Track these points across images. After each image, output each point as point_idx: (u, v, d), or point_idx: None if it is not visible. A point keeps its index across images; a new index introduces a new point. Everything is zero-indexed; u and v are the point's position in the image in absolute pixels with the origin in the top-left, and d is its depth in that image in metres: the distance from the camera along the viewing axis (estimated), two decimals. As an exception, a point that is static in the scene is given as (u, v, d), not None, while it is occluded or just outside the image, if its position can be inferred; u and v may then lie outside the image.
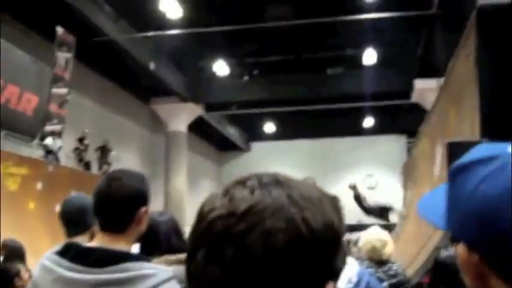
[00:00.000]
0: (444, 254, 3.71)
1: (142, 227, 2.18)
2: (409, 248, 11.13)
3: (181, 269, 2.02)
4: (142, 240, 2.45)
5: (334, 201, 0.81)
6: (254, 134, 32.74)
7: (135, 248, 2.70)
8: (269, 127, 31.68)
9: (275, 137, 32.34)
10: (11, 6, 13.89)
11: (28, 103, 13.81)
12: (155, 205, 20.59)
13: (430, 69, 19.60)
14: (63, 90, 15.39)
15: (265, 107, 25.87)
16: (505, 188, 0.85)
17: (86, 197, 3.21)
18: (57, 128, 15.11)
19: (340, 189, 30.76)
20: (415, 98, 22.28)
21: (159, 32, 19.33)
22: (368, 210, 17.87)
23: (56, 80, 15.01)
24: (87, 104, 19.32)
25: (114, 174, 2.23)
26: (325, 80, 24.08)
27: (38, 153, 14.09)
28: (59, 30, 14.98)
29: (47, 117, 14.74)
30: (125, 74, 20.05)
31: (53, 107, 14.95)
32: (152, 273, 1.90)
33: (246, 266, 0.73)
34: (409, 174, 17.54)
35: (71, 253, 1.98)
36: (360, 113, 28.30)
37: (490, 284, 0.87)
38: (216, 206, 0.77)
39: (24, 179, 11.73)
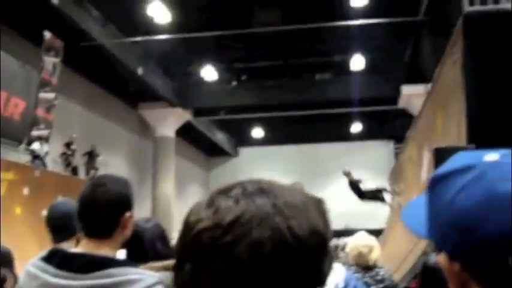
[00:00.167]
0: (433, 259, 3.72)
1: (128, 232, 2.18)
2: (397, 253, 11.17)
3: (167, 275, 2.02)
4: (128, 246, 2.45)
5: (319, 204, 0.82)
6: (242, 139, 32.76)
7: (122, 254, 2.69)
8: (257, 132, 31.71)
9: (263, 142, 32.37)
10: (-2, 11, 13.85)
11: (15, 108, 13.75)
12: (143, 210, 20.55)
13: (417, 75, 19.71)
14: (50, 95, 15.33)
15: (253, 113, 25.89)
16: (482, 198, 0.86)
17: (72, 203, 3.18)
18: (44, 132, 15.04)
19: (327, 195, 30.78)
20: (402, 103, 22.39)
21: (147, 37, 19.31)
22: (364, 194, 17.80)
23: (44, 85, 14.95)
24: (75, 109, 19.25)
25: (98, 180, 2.23)
26: (313, 86, 24.13)
27: (25, 158, 14.01)
28: (47, 34, 14.93)
29: (34, 122, 14.67)
30: (113, 79, 20.00)
31: (40, 112, 14.88)
32: (138, 278, 1.90)
33: (234, 276, 0.73)
34: (396, 180, 17.61)
35: (56, 259, 1.97)
36: (348, 119, 28.40)
37: None
38: (202, 217, 0.77)
39: (11, 184, 11.65)
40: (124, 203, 2.16)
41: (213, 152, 32.75)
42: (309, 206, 0.79)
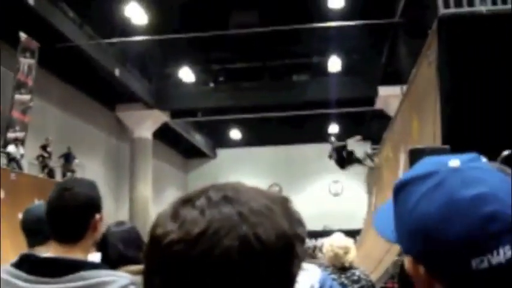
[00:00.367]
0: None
1: (98, 234, 2.18)
2: (374, 253, 11.24)
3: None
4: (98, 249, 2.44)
5: (284, 204, 0.82)
6: (220, 140, 32.73)
7: (96, 257, 2.68)
8: (235, 134, 31.71)
9: (241, 143, 32.38)
10: (-27, 12, 13.69)
11: (-10, 110, 13.62)
12: (120, 213, 20.43)
13: (393, 76, 19.87)
14: (26, 97, 15.20)
15: (231, 114, 25.90)
16: (443, 204, 0.89)
17: (47, 206, 3.16)
18: (20, 135, 14.90)
19: (306, 196, 30.94)
20: (379, 104, 22.55)
21: (124, 38, 19.22)
22: (345, 161, 17.82)
23: (19, 87, 14.82)
24: (51, 111, 19.09)
25: (65, 184, 2.21)
26: (290, 87, 24.21)
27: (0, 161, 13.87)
28: (22, 36, 14.80)
29: (10, 124, 14.54)
30: (90, 81, 19.86)
31: (16, 114, 14.74)
32: (110, 280, 1.90)
33: (204, 287, 0.73)
34: (373, 181, 17.72)
35: (27, 265, 1.96)
36: (325, 120, 28.51)
37: None
38: (168, 229, 0.77)
39: (-14, 187, 11.54)
40: (93, 205, 2.15)
41: (190, 153, 32.69)
42: (274, 208, 0.79)
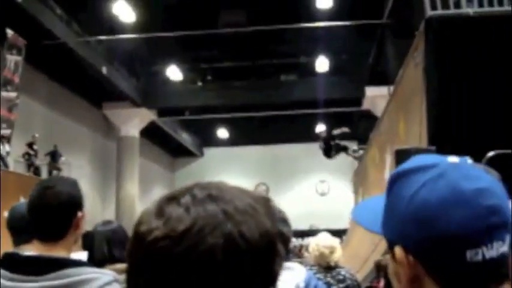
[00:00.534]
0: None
1: (80, 231, 2.19)
2: (359, 252, 11.29)
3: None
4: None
5: (267, 203, 0.84)
6: (207, 139, 32.71)
7: (83, 256, 2.69)
8: (222, 133, 31.71)
9: (228, 142, 32.38)
10: (-41, 8, 13.59)
11: (-24, 107, 13.53)
12: (107, 211, 20.34)
13: (381, 77, 19.95)
14: (12, 94, 15.11)
15: (218, 113, 25.90)
16: (443, 194, 0.90)
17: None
18: (6, 132, 14.82)
19: (293, 195, 31.00)
20: (366, 105, 22.64)
21: (112, 36, 19.16)
22: (331, 149, 18.03)
23: (5, 84, 14.73)
24: (37, 108, 18.99)
25: (47, 183, 2.21)
26: (278, 87, 24.24)
27: (-15, 158, 13.79)
28: (9, 32, 14.72)
29: (-4, 122, 14.46)
30: (77, 78, 19.78)
31: (2, 111, 14.66)
32: (94, 277, 1.91)
33: (188, 284, 0.74)
34: (359, 181, 17.79)
35: (10, 263, 1.97)
36: (313, 120, 28.57)
37: (423, 285, 0.92)
38: (153, 227, 0.77)
39: (-29, 185, 11.46)
40: (75, 203, 2.16)
41: (178, 152, 32.64)
42: (258, 207, 0.80)
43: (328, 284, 4.44)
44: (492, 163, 5.19)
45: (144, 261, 0.77)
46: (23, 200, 3.67)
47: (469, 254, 0.87)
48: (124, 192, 23.00)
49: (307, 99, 23.47)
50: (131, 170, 23.46)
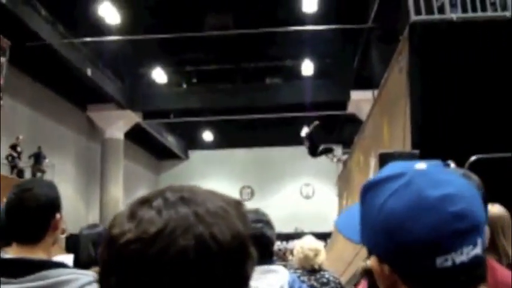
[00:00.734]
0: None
1: (58, 233, 2.20)
2: (343, 255, 11.32)
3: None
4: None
5: (238, 207, 0.85)
6: (192, 142, 32.66)
7: (69, 259, 2.70)
8: (207, 136, 31.68)
9: (214, 145, 32.35)
10: None
11: (-41, 108, 13.40)
12: (91, 214, 20.19)
13: (366, 81, 20.01)
14: (-4, 96, 14.99)
15: (203, 116, 25.88)
16: (411, 202, 0.92)
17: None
18: (-11, 134, 14.70)
19: (278, 198, 31.05)
20: (351, 108, 22.72)
21: (97, 38, 19.08)
22: (317, 149, 18.22)
23: (-11, 85, 14.62)
24: (21, 110, 18.87)
25: (24, 185, 2.22)
26: (263, 90, 24.28)
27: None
28: (-7, 33, 14.62)
29: (-21, 123, 14.33)
30: (61, 80, 19.69)
31: (-15, 113, 14.54)
32: (72, 278, 1.91)
33: (160, 285, 0.75)
34: (344, 184, 17.84)
35: None
36: (297, 123, 28.61)
37: None
38: (125, 229, 0.78)
39: (-46, 187, 11.35)
40: (53, 205, 2.17)
41: (162, 155, 32.56)
42: (229, 210, 0.82)
43: (312, 287, 4.46)
44: (474, 167, 5.25)
45: (116, 263, 0.77)
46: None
47: (438, 261, 0.89)
48: (108, 194, 22.89)
49: (293, 102, 23.52)
50: (116, 173, 23.37)
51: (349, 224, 1.06)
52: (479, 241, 0.92)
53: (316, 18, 19.18)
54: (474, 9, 8.27)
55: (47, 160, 18.20)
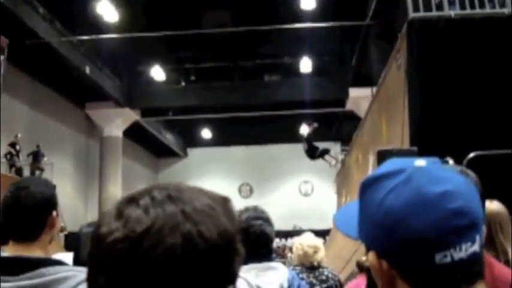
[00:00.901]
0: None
1: (55, 230, 2.20)
2: (342, 253, 11.33)
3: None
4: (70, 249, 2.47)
5: (225, 204, 0.86)
6: (191, 140, 32.65)
7: (69, 257, 2.70)
8: (206, 133, 31.66)
9: (212, 143, 32.34)
10: None
11: (-43, 106, 13.39)
12: (89, 212, 20.18)
13: (364, 78, 20.03)
14: (-6, 94, 14.98)
15: (202, 113, 25.85)
16: (410, 198, 0.92)
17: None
18: (-13, 132, 14.69)
19: (277, 196, 31.07)
20: (349, 106, 22.73)
21: (95, 36, 19.07)
22: (316, 151, 18.46)
23: (-13, 83, 14.60)
24: (20, 108, 18.86)
25: (21, 183, 2.23)
26: (261, 87, 24.27)
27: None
28: (-9, 32, 14.60)
29: (-23, 121, 14.32)
30: (60, 78, 19.66)
31: (-16, 111, 14.53)
32: (69, 275, 1.92)
33: (149, 284, 0.75)
34: (343, 182, 17.85)
35: None
36: (296, 120, 28.62)
37: None
38: (112, 228, 0.78)
39: (-48, 185, 11.34)
40: (49, 203, 2.17)
41: (161, 152, 32.55)
42: (216, 208, 0.82)
43: (311, 284, 4.46)
44: (473, 164, 5.26)
45: (104, 262, 0.78)
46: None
47: (437, 257, 0.89)
48: (107, 192, 22.88)
49: (291, 99, 23.53)
50: (114, 171, 23.37)
51: (347, 221, 1.07)
52: (477, 238, 0.93)
53: (315, 16, 19.18)
54: (472, 6, 8.28)
55: (45, 158, 18.19)
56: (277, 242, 23.51)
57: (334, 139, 30.80)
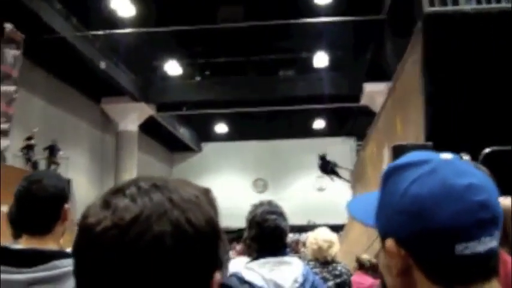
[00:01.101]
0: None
1: (68, 223, 2.23)
2: (355, 249, 11.31)
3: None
4: None
5: (208, 194, 0.87)
6: (206, 134, 32.67)
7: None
8: (220, 128, 31.68)
9: (227, 138, 32.35)
10: (-43, 2, 13.55)
11: (-26, 101, 13.50)
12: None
13: (379, 73, 19.95)
14: (11, 88, 15.10)
15: (217, 108, 25.87)
16: (435, 189, 0.94)
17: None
18: (4, 126, 14.81)
19: (291, 190, 31.04)
20: (364, 101, 22.64)
21: (111, 31, 19.13)
22: (330, 170, 18.93)
23: (4, 78, 14.72)
24: (36, 103, 18.98)
25: (33, 177, 2.25)
26: (276, 82, 24.26)
27: (-17, 153, 13.79)
28: (8, 26, 14.69)
29: (-6, 116, 14.45)
30: (75, 73, 19.76)
31: (1, 105, 14.65)
32: None
33: (139, 270, 0.76)
34: (357, 177, 17.80)
35: (1, 257, 2.00)
36: (311, 115, 28.58)
37: (413, 277, 0.96)
38: (100, 218, 0.79)
39: (-30, 179, 11.45)
40: (62, 196, 2.20)
41: (176, 147, 32.61)
42: (201, 197, 0.84)
43: (324, 279, 4.47)
44: (489, 160, 5.22)
45: (94, 251, 0.78)
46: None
47: (458, 248, 0.90)
48: (122, 186, 22.98)
49: (305, 94, 23.49)
50: (129, 165, 23.47)
51: (362, 209, 1.08)
52: (496, 233, 0.94)
53: (330, 10, 19.11)
54: (489, 1, 8.20)
55: (61, 152, 18.30)
56: (290, 237, 23.49)
57: (348, 134, 30.76)
